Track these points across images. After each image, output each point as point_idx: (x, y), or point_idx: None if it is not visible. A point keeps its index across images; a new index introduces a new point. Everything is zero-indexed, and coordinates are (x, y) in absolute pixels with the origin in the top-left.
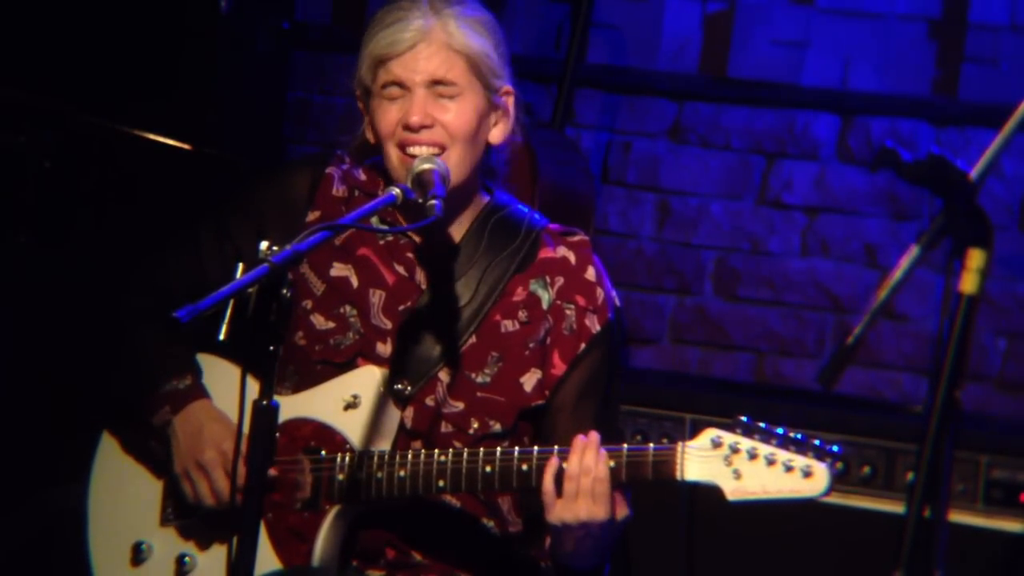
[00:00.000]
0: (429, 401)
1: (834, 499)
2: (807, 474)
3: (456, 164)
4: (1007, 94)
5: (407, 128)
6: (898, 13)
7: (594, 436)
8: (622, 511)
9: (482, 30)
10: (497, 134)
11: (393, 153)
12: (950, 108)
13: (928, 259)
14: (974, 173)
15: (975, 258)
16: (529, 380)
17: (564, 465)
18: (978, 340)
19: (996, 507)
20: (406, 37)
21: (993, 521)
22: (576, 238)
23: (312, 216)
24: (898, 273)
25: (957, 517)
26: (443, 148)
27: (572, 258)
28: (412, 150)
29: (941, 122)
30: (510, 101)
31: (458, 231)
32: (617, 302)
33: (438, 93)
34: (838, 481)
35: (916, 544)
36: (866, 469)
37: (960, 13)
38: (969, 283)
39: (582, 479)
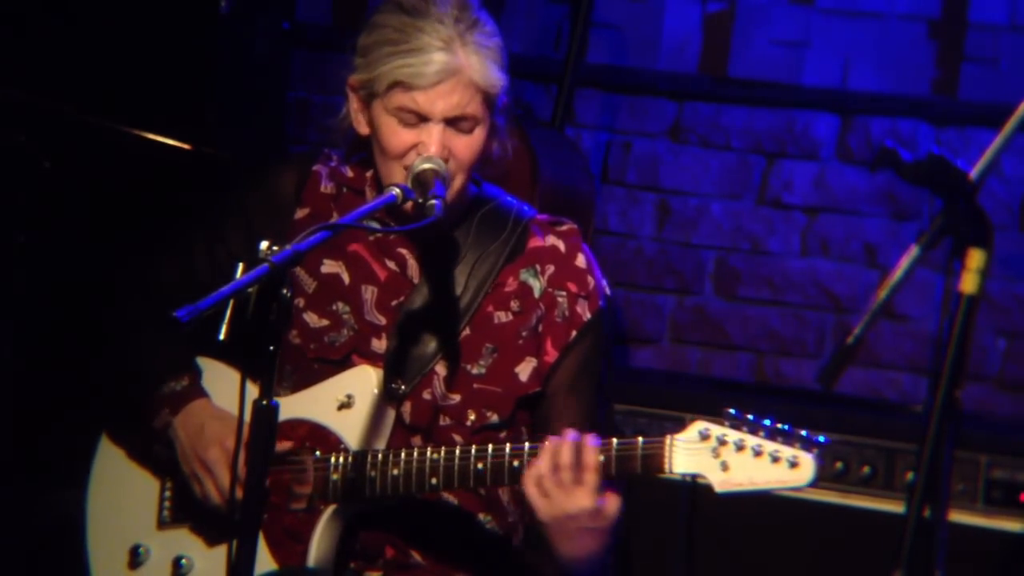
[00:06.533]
0: (426, 395)
1: (834, 499)
2: (793, 464)
3: (457, 189)
4: (1007, 94)
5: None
6: (898, 13)
7: (570, 433)
8: (613, 502)
9: (498, 58)
10: (494, 147)
11: (397, 171)
12: (950, 108)
13: (928, 259)
14: (974, 173)
15: (975, 258)
16: (524, 369)
17: (540, 464)
18: (978, 340)
19: (996, 507)
20: (430, 71)
21: (993, 521)
22: (565, 227)
23: (301, 214)
24: (898, 273)
25: (957, 517)
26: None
27: (562, 246)
28: None
29: (941, 122)
30: (505, 114)
31: (448, 225)
32: (607, 290)
33: (455, 126)
34: (838, 481)
35: (916, 544)
36: (866, 469)
37: (960, 13)
38: (969, 283)
39: (563, 473)
